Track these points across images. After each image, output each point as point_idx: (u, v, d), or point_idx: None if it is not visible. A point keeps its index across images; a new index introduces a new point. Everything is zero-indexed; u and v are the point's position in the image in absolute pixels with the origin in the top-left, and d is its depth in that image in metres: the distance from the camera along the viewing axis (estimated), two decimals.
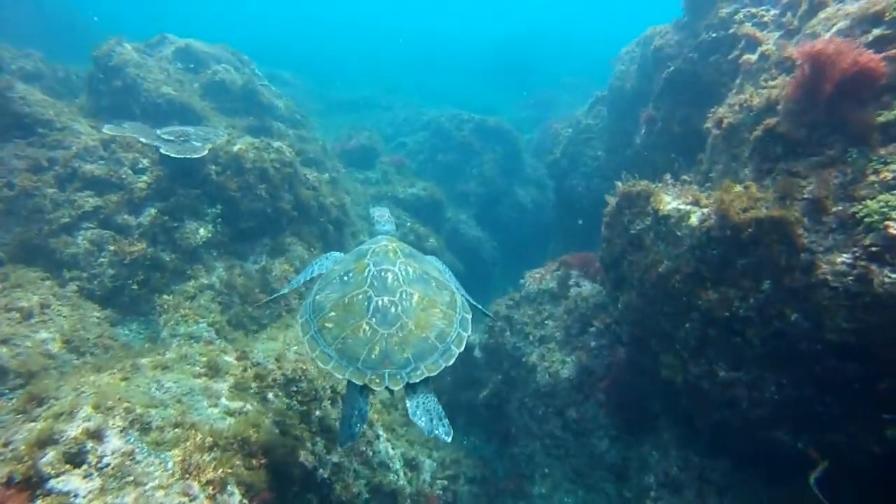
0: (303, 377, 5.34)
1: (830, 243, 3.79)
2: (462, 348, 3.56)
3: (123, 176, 7.15)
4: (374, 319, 3.47)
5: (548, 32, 36.03)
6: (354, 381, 3.30)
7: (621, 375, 6.70)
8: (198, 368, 4.83)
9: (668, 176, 5.28)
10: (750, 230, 3.91)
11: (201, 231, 7.38)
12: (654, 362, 5.48)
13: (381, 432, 6.58)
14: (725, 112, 5.02)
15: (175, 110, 9.27)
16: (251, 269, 7.66)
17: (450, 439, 3.29)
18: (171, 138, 7.81)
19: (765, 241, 3.93)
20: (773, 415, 4.57)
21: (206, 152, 7.47)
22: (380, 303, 3.53)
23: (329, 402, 5.56)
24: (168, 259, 7.09)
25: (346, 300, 3.59)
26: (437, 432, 3.25)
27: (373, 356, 3.34)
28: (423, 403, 3.35)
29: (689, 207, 4.50)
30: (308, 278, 4.28)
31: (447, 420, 3.35)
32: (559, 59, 29.40)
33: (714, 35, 6.34)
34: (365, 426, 3.53)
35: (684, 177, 6.01)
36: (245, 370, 5.06)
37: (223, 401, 4.57)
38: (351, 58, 31.97)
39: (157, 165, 7.36)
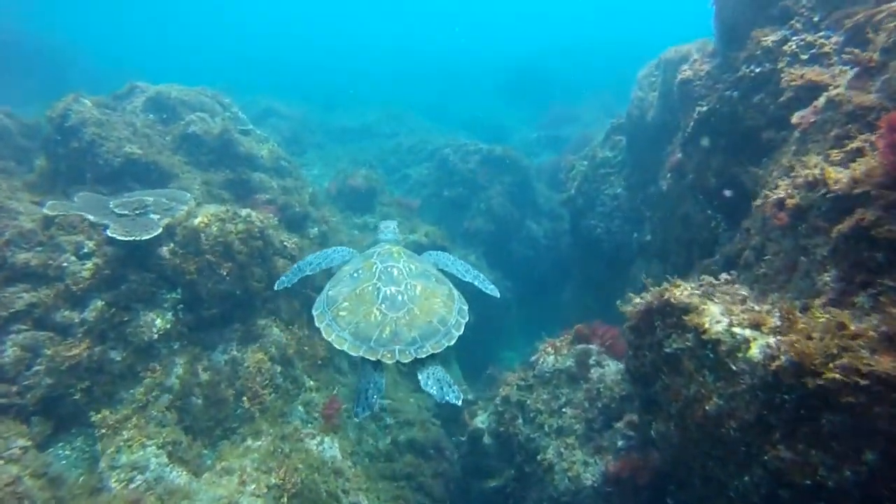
0: None
1: None
2: (461, 332, 4.01)
3: (64, 264, 6.14)
4: (383, 305, 3.92)
5: (563, 46, 34.68)
6: (368, 357, 3.72)
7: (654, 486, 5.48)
8: None
9: (709, 271, 4.07)
10: (845, 392, 2.69)
11: (158, 322, 6.34)
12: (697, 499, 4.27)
13: None
14: (788, 189, 3.78)
15: (140, 170, 8.31)
16: (219, 362, 6.59)
17: (460, 402, 3.67)
18: (126, 212, 6.81)
19: (867, 401, 2.71)
20: None
21: (160, 230, 6.45)
22: (388, 292, 4.00)
23: None
24: (118, 359, 6.05)
25: (358, 291, 4.05)
26: (448, 398, 3.66)
27: (384, 335, 3.77)
28: (433, 374, 3.78)
29: (746, 333, 3.27)
30: (319, 264, 5.01)
31: (457, 387, 3.76)
32: (575, 72, 28.00)
33: (758, 70, 5.10)
34: (381, 397, 3.85)
35: (728, 246, 4.80)
36: None
37: None
38: (357, 80, 31.02)
39: (105, 247, 6.35)
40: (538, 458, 6.52)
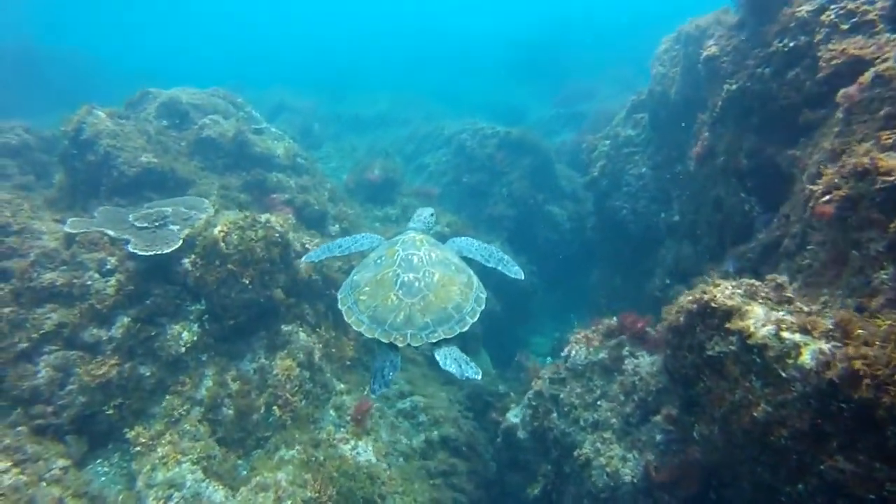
0: None
1: None
2: (475, 319, 4.13)
3: (88, 282, 6.15)
4: (400, 291, 4.11)
5: (573, 19, 33.69)
6: (382, 339, 3.96)
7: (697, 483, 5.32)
8: None
9: (745, 258, 3.86)
10: None
11: (185, 335, 6.34)
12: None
13: None
14: (835, 178, 3.52)
15: (157, 179, 8.29)
16: (248, 371, 6.58)
17: (479, 377, 3.84)
18: (145, 224, 6.79)
19: None
20: None
21: (180, 243, 6.42)
22: (406, 279, 4.18)
23: None
24: (148, 374, 6.09)
25: (379, 277, 4.26)
26: (467, 374, 3.84)
27: (398, 320, 3.99)
28: (450, 354, 3.97)
29: (796, 338, 3.07)
30: (348, 247, 5.10)
31: (473, 363, 3.95)
32: (588, 46, 27.19)
33: (791, 44, 4.79)
34: (396, 374, 4.08)
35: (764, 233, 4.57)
36: None
37: None
38: (367, 70, 30.60)
39: (127, 262, 6.34)
40: (574, 453, 6.40)
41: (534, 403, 7.05)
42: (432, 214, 5.45)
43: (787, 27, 4.85)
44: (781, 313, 3.28)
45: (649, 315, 9.29)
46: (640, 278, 10.02)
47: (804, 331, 3.07)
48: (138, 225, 6.78)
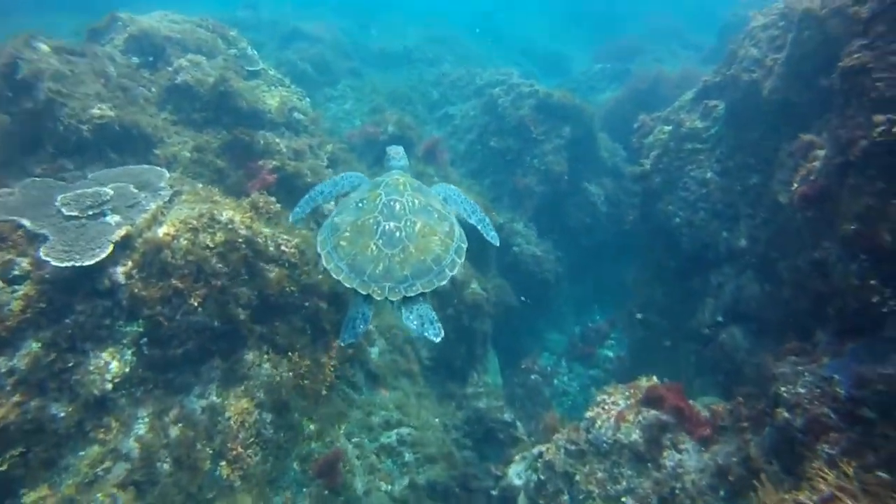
0: None
1: None
2: (455, 272, 4.08)
3: None
4: (380, 241, 4.05)
5: None
6: (360, 290, 3.89)
7: None
8: None
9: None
10: None
11: (114, 365, 5.01)
12: None
13: None
14: None
15: (116, 136, 6.76)
16: (194, 410, 5.28)
17: (438, 339, 3.78)
18: (74, 212, 5.33)
19: None
20: None
21: (109, 250, 4.97)
22: (386, 227, 4.11)
23: None
24: (62, 415, 4.82)
25: (360, 223, 4.16)
26: (426, 333, 3.82)
27: (377, 271, 3.93)
28: (417, 310, 3.92)
29: None
30: (331, 192, 4.88)
31: (440, 325, 3.88)
32: None
33: None
34: (368, 327, 4.02)
35: None
36: None
37: None
38: None
39: (43, 267, 4.95)
40: None
41: (542, 477, 5.76)
42: (402, 150, 5.28)
43: None
44: None
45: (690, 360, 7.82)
46: (684, 298, 8.47)
47: None
48: (66, 212, 5.32)
